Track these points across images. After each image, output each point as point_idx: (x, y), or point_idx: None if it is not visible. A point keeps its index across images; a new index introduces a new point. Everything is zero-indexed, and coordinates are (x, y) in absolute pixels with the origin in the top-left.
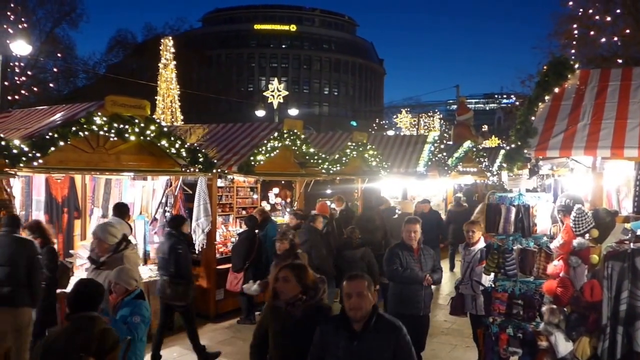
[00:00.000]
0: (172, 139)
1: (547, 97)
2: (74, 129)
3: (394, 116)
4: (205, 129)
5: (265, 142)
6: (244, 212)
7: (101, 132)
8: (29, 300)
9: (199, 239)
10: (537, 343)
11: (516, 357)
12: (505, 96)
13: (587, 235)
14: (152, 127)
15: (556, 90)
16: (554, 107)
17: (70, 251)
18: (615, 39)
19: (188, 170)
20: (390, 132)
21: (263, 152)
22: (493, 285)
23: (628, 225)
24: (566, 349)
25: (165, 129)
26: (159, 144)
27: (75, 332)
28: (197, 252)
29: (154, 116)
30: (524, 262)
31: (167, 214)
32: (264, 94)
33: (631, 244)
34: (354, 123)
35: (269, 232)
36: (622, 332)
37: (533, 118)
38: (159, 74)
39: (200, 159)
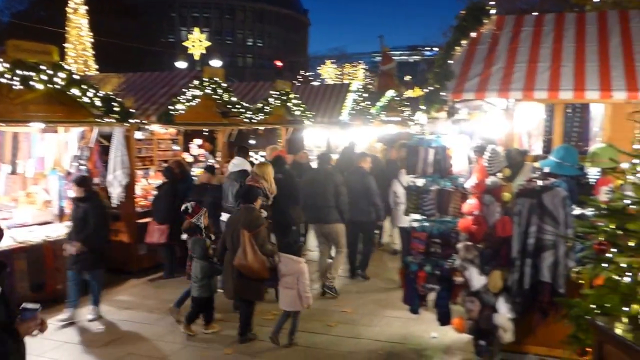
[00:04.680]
0: (84, 87)
1: (464, 42)
2: None
3: (318, 67)
4: (121, 77)
5: (185, 90)
6: (165, 165)
7: (3, 80)
8: None
9: (115, 193)
10: (453, 279)
11: (434, 293)
12: (428, 48)
13: (499, 174)
14: (61, 75)
15: (473, 34)
16: (471, 51)
17: None
18: None
19: (103, 121)
20: (316, 84)
21: (183, 101)
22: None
23: (537, 164)
24: (479, 282)
25: (76, 77)
26: (69, 92)
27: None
28: (115, 205)
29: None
30: (441, 202)
31: (82, 168)
32: (184, 44)
33: (539, 182)
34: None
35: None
36: (530, 264)
37: (451, 62)
38: (67, 19)
39: (116, 109)
